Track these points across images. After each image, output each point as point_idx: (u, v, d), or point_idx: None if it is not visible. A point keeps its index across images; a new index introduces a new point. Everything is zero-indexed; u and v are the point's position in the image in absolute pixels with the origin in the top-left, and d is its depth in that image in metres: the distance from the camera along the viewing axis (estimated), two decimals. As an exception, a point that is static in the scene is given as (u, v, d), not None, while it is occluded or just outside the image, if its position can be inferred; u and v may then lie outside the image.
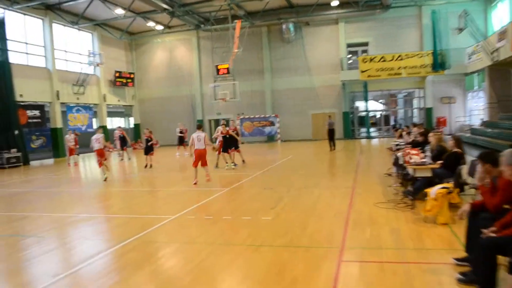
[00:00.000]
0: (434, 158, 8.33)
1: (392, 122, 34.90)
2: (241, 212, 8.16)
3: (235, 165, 15.77)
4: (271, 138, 33.07)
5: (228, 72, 29.04)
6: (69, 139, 21.94)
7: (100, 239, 6.98)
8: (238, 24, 27.94)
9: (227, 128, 15.71)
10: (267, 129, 32.54)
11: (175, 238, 6.76)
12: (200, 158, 11.98)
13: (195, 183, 11.82)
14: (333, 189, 10.13)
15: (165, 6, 26.02)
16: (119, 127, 26.88)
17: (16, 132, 23.56)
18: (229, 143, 15.60)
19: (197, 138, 11.87)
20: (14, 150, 22.98)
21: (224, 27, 29.90)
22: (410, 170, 7.98)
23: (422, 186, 8.30)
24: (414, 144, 11.13)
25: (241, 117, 33.05)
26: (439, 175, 7.94)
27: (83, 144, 31.29)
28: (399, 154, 9.95)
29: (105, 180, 13.73)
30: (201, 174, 12.07)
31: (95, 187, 13.35)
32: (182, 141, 24.67)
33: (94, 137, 13.96)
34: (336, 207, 8.06)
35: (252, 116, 32.96)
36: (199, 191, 11.06)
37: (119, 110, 40.29)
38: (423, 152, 9.13)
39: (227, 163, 15.72)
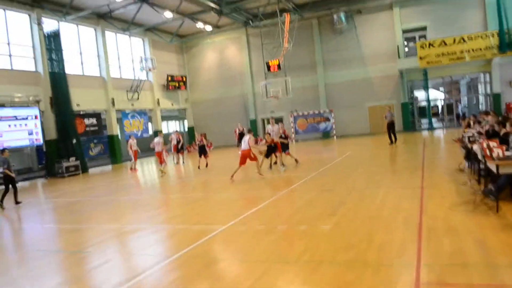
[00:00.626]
0: (519, 151, 7.16)
1: (459, 111, 32.59)
2: (296, 220, 7.40)
3: (283, 165, 14.87)
4: (326, 135, 31.96)
5: (279, 68, 28.27)
6: (133, 143, 22.33)
7: (146, 254, 6.48)
8: (287, 17, 27.18)
9: (272, 137, 14.71)
10: (322, 125, 31.46)
11: (225, 253, 6.13)
12: (244, 158, 13.21)
13: (231, 176, 13.11)
14: (399, 189, 9.11)
15: (212, 5, 25.70)
16: (176, 131, 27.05)
17: (74, 141, 24.12)
18: (273, 150, 14.82)
19: (242, 140, 13.39)
20: (72, 158, 23.51)
21: (273, 22, 29.21)
22: (492, 165, 6.85)
23: (507, 184, 7.18)
24: (490, 135, 9.83)
25: (295, 114, 32.16)
26: (528, 171, 6.78)
27: (141, 149, 31.97)
28: (475, 146, 8.74)
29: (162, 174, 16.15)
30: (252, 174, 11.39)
31: (150, 193, 13.10)
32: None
33: (156, 140, 15.71)
34: (405, 212, 7.09)
35: (306, 113, 31.99)
36: (252, 197, 10.44)
37: (173, 114, 40.73)
38: (506, 143, 7.92)
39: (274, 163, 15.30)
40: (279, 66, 28.08)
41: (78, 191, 15.75)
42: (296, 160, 15.55)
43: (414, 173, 10.84)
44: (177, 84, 34.94)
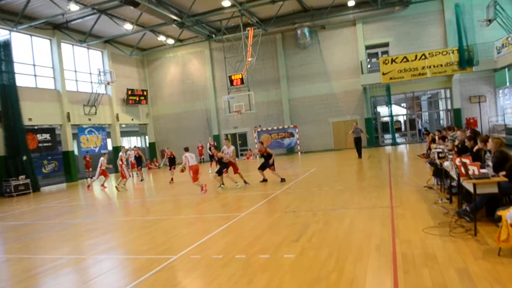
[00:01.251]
0: (495, 168, 6.70)
1: (419, 126, 32.89)
2: (257, 247, 6.61)
3: (245, 183, 14.71)
4: (291, 150, 31.51)
5: (242, 83, 27.65)
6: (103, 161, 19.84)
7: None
8: (250, 31, 26.76)
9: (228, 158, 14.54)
10: (286, 141, 31.00)
11: (173, 291, 5.27)
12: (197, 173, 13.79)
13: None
14: (368, 210, 8.50)
15: (174, 17, 24.90)
16: (135, 146, 25.99)
17: (25, 157, 22.57)
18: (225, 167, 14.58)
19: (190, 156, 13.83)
20: (22, 176, 21.95)
21: (236, 36, 28.68)
22: (468, 185, 6.33)
23: (483, 204, 6.68)
24: (460, 151, 9.45)
25: (258, 129, 31.60)
26: (506, 190, 6.30)
27: (96, 166, 30.48)
28: (446, 163, 8.28)
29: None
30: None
31: (102, 215, 12.02)
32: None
33: (188, 154, 13.96)
34: (376, 237, 6.44)
35: (270, 128, 31.47)
36: (211, 219, 9.61)
37: (133, 129, 39.46)
38: (479, 160, 7.47)
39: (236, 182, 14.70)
40: (242, 80, 27.46)
41: (24, 213, 14.41)
42: (264, 180, 14.89)
43: (382, 191, 10.31)
44: (137, 99, 33.77)
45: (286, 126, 31.12)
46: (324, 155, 26.64)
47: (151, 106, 36.02)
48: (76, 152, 30.54)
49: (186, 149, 14.21)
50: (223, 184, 14.44)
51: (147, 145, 37.10)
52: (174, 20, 25.25)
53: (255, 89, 31.78)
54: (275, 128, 31.30)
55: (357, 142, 21.31)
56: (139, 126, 37.09)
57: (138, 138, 44.48)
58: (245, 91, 27.78)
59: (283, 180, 14.43)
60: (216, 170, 15.11)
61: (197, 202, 12.07)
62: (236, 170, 14.83)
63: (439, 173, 9.77)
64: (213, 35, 30.55)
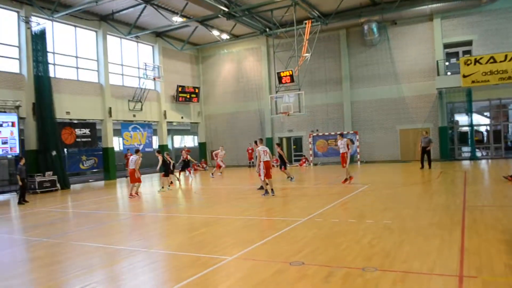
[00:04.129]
0: None
1: (508, 138, 27.93)
2: None
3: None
4: (351, 159, 27.85)
5: (292, 81, 24.53)
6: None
7: None
8: (308, 24, 23.70)
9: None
10: (345, 149, 27.42)
11: None
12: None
13: None
14: (420, 278, 5.26)
15: (220, 6, 22.47)
16: (185, 146, 24.98)
17: (54, 152, 21.21)
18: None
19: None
20: (49, 173, 20.58)
21: (293, 30, 25.62)
22: None
23: None
24: None
25: (314, 134, 28.40)
26: None
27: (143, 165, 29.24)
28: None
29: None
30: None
31: (108, 232, 9.72)
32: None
33: (260, 148, 13.50)
34: None
35: (326, 133, 28.15)
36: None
37: (185, 128, 37.86)
38: None
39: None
40: (292, 78, 24.32)
41: (26, 214, 12.55)
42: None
43: (449, 237, 6.94)
44: (188, 96, 31.89)
45: (345, 132, 27.61)
46: (386, 167, 22.91)
47: (203, 105, 34.06)
48: (119, 149, 29.22)
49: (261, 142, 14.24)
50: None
51: (197, 144, 35.18)
52: (222, 10, 22.79)
53: (313, 89, 28.74)
54: (332, 133, 27.91)
55: (426, 152, 20.08)
56: (191, 125, 35.28)
57: (191, 137, 42.99)
58: (295, 90, 24.63)
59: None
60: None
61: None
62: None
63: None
64: (268, 29, 27.61)
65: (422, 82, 26.14)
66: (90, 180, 26.29)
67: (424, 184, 14.56)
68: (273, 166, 25.80)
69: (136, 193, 15.54)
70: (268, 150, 13.58)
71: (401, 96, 26.79)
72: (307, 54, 23.83)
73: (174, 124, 33.70)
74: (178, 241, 8.09)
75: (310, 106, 28.69)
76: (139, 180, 15.56)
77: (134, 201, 14.58)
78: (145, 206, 13.78)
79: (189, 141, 44.88)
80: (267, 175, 13.08)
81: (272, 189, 13.22)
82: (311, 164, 28.16)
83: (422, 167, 20.17)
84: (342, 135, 15.91)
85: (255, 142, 15.49)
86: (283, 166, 19.00)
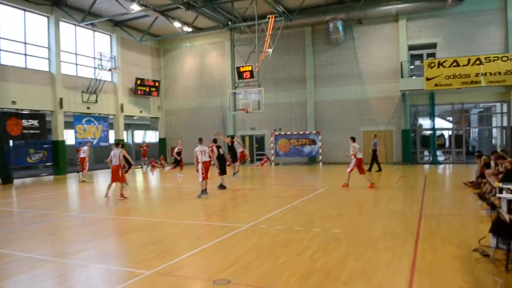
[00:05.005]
0: None
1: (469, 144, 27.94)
2: None
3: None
4: (312, 160, 27.35)
5: (252, 76, 23.67)
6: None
7: None
8: (271, 19, 22.88)
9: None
10: (307, 149, 26.84)
11: None
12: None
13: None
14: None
15: (181, -3, 21.36)
16: (143, 142, 23.66)
17: (-5, 145, 19.64)
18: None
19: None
20: (-8, 166, 19.05)
21: (258, 27, 24.69)
22: None
23: None
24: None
25: (276, 133, 27.65)
26: None
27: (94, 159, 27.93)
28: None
29: None
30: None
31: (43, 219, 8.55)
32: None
33: (198, 148, 13.05)
34: None
35: (288, 133, 27.45)
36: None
37: (145, 122, 36.51)
38: None
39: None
40: (251, 73, 23.44)
41: None
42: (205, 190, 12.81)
43: (400, 251, 6.22)
44: (147, 89, 30.55)
45: (308, 132, 27.00)
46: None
47: (164, 99, 32.78)
48: (72, 142, 27.65)
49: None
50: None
51: (157, 140, 33.89)
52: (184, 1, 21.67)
53: (276, 87, 28.01)
54: (294, 133, 27.23)
55: (375, 156, 20.56)
56: (150, 119, 33.94)
57: (154, 132, 41.58)
58: (256, 87, 23.77)
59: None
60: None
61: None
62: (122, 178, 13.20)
63: (503, 230, 5.66)
64: (230, 22, 26.59)
65: (386, 84, 25.79)
66: (42, 175, 24.67)
67: (382, 188, 13.98)
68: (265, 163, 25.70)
69: (122, 195, 12.73)
70: (206, 150, 13.17)
71: (365, 97, 26.37)
72: (269, 50, 23.01)
73: (135, 118, 32.33)
74: (99, 248, 7.08)
75: (273, 104, 27.94)
76: (123, 179, 12.97)
77: (103, 202, 12.91)
78: (83, 205, 12.63)
79: (153, 137, 43.46)
80: (205, 176, 12.77)
81: (205, 189, 12.90)
82: (273, 163, 27.41)
83: (370, 169, 20.23)
84: (353, 139, 15.07)
85: (214, 140, 14.83)
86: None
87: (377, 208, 10.21)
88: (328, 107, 27.34)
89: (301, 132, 27.07)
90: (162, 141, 33.05)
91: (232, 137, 21.04)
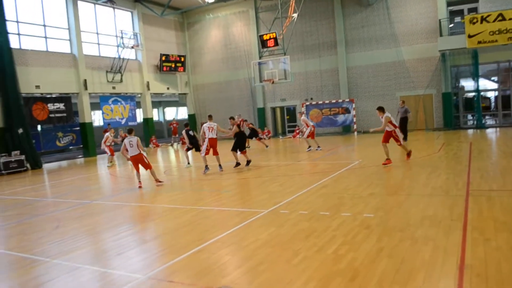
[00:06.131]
0: None
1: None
2: None
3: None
4: (347, 129, 26.01)
5: (276, 44, 22.31)
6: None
7: None
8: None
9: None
10: (340, 118, 25.49)
11: None
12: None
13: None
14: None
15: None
16: (173, 119, 22.58)
17: (20, 130, 19.42)
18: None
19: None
20: (16, 152, 18.87)
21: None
22: None
23: None
24: None
25: (307, 103, 26.38)
26: None
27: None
28: None
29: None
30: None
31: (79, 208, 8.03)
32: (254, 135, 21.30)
33: (206, 125, 12.92)
34: None
35: (320, 102, 26.11)
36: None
37: (173, 99, 35.95)
38: None
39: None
40: (276, 41, 22.07)
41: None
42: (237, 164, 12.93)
43: (443, 245, 5.10)
44: (173, 65, 29.80)
45: (341, 100, 25.57)
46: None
47: (192, 74, 31.97)
48: (99, 124, 27.46)
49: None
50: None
51: (186, 117, 33.28)
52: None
53: (305, 55, 26.61)
54: (327, 102, 25.87)
55: (404, 123, 18.01)
56: (178, 96, 33.30)
57: (184, 109, 41.01)
58: (280, 55, 22.44)
59: (237, 164, 13.16)
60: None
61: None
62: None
63: None
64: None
65: (424, 44, 23.87)
66: (74, 157, 24.53)
67: (422, 159, 12.67)
68: (263, 139, 24.29)
69: (158, 179, 11.46)
70: (215, 126, 12.92)
71: (400, 59, 24.56)
72: (294, 15, 21.57)
73: (164, 95, 31.79)
74: (96, 245, 6.41)
75: (303, 73, 26.65)
76: (150, 166, 11.33)
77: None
78: (103, 191, 12.10)
79: (184, 113, 42.96)
80: (215, 152, 12.89)
81: (220, 165, 13.00)
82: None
83: (406, 138, 17.98)
84: (381, 109, 12.01)
85: (231, 118, 13.85)
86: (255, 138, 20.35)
87: (416, 184, 9.01)
88: (361, 73, 25.74)
89: (334, 101, 25.68)
90: (191, 117, 32.40)
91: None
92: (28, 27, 21.50)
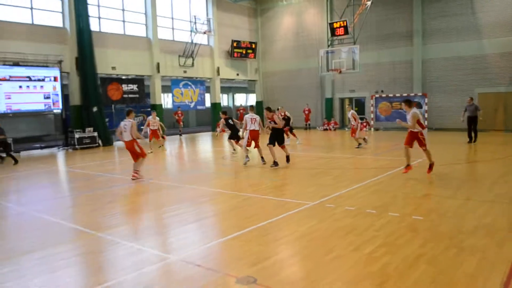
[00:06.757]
0: None
1: None
2: None
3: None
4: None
5: (346, 33, 21.59)
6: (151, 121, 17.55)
7: None
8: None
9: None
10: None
11: None
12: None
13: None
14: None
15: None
16: (240, 105, 22.09)
17: (95, 109, 20.62)
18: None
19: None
20: (89, 129, 20.11)
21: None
22: None
23: None
24: None
25: (377, 95, 25.45)
26: None
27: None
28: None
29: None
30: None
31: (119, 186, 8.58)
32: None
33: (248, 116, 12.31)
34: None
35: (390, 95, 25.06)
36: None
37: (242, 85, 36.28)
38: None
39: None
40: (346, 29, 21.34)
41: (30, 174, 11.80)
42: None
43: (492, 258, 4.68)
44: (244, 52, 30.02)
45: (413, 94, 24.37)
46: (456, 137, 19.40)
47: (262, 61, 32.04)
48: (168, 106, 28.43)
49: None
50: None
51: (254, 103, 33.48)
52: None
53: (378, 45, 25.55)
54: (397, 95, 24.78)
55: (471, 122, 16.77)
56: (248, 82, 33.55)
57: (254, 95, 41.39)
58: (349, 44, 21.71)
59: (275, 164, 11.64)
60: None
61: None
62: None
63: None
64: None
65: (509, 38, 21.98)
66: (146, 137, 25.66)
67: (491, 163, 11.74)
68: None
69: (137, 171, 10.33)
70: (258, 118, 12.25)
71: (482, 53, 22.83)
72: (367, 3, 20.73)
73: (234, 81, 32.23)
74: (140, 223, 6.67)
75: (374, 64, 25.68)
76: (144, 154, 10.33)
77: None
78: (161, 171, 12.54)
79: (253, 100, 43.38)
80: (256, 145, 12.27)
81: (262, 157, 12.30)
82: (372, 128, 25.43)
83: (470, 140, 16.82)
84: (408, 102, 9.81)
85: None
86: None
87: (479, 189, 8.36)
88: (437, 66, 24.29)
89: (405, 94, 24.51)
90: (259, 104, 32.55)
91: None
92: (108, 11, 22.60)
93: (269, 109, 12.09)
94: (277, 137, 11.79)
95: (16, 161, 14.47)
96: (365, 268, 4.39)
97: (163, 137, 18.27)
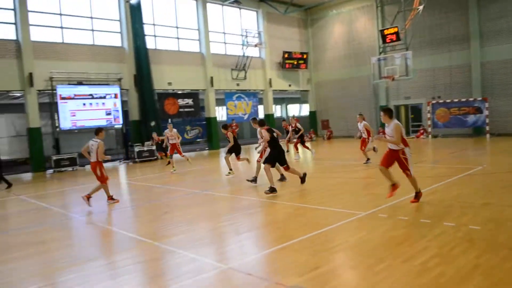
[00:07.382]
0: None
1: None
2: None
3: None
4: (478, 131, 23.72)
5: (398, 39, 21.15)
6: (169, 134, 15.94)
7: None
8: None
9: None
10: (471, 118, 23.30)
11: None
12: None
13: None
14: None
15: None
16: (293, 116, 21.53)
17: (153, 123, 21.52)
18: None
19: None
20: (148, 143, 21.00)
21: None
22: None
23: None
24: None
25: (434, 101, 24.65)
26: None
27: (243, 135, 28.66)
28: None
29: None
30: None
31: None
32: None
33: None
34: None
35: (448, 101, 24.19)
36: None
37: (295, 96, 36.39)
38: None
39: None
40: (397, 36, 20.92)
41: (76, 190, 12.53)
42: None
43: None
44: (295, 62, 30.20)
45: (472, 99, 23.39)
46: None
47: (314, 71, 32.06)
48: (223, 118, 29.05)
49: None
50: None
51: (308, 113, 33.52)
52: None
53: (433, 50, 24.84)
54: (456, 100, 23.86)
55: None
56: (300, 93, 33.64)
57: (298, 106, 41.60)
58: (401, 50, 21.25)
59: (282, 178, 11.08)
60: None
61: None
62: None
63: None
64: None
65: None
66: (200, 149, 26.30)
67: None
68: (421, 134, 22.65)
69: (111, 197, 9.86)
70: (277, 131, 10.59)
71: (548, 53, 21.61)
72: (419, 7, 20.24)
73: (287, 92, 32.48)
74: (194, 233, 6.82)
75: (429, 69, 25.01)
76: (103, 179, 9.61)
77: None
78: (215, 183, 12.86)
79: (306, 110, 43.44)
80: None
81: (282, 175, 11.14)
82: (430, 136, 24.63)
83: None
84: (388, 111, 7.91)
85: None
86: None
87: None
88: (497, 69, 23.22)
89: (464, 100, 23.58)
90: (312, 114, 32.54)
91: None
92: (162, 29, 23.61)
93: (254, 120, 11.17)
94: (278, 155, 9.96)
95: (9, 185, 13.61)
96: (416, 279, 4.33)
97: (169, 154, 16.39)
